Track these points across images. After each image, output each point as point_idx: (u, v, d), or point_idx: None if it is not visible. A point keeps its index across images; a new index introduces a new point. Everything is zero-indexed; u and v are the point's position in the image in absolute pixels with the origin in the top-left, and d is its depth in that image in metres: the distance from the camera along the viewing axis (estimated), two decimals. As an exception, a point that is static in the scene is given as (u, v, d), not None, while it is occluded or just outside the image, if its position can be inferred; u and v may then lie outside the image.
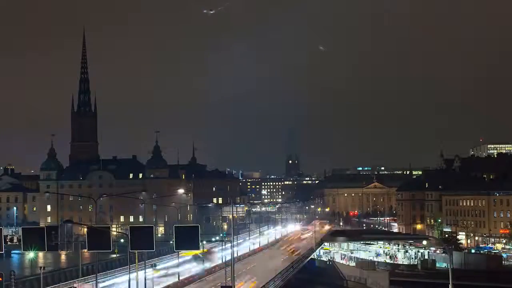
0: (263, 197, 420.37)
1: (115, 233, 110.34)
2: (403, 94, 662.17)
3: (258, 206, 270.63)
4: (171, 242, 74.31)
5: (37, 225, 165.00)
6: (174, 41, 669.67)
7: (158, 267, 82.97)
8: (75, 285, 75.69)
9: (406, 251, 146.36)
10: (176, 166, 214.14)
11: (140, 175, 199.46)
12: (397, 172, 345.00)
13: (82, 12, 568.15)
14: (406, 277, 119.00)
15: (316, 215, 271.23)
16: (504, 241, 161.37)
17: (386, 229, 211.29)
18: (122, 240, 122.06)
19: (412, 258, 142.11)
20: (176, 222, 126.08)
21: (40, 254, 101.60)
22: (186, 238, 55.04)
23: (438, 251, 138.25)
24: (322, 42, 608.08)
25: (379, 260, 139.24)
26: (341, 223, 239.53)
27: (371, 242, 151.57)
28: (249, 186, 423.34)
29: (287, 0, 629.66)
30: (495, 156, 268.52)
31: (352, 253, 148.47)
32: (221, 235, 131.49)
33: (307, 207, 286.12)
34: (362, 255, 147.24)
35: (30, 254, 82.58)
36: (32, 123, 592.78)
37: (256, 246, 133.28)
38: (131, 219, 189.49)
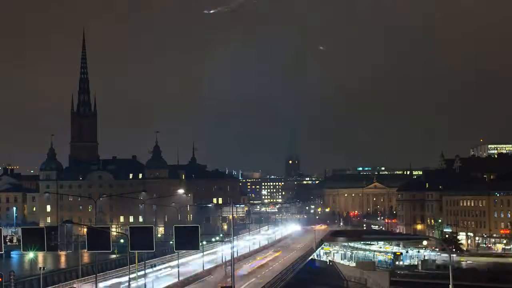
0: (263, 197, 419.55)
1: (115, 233, 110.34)
2: (403, 94, 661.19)
3: (258, 206, 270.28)
4: (171, 242, 74.16)
5: (37, 225, 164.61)
6: (174, 41, 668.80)
7: None
8: (74, 285, 75.54)
9: (407, 251, 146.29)
10: (176, 166, 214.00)
11: (140, 175, 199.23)
12: (397, 172, 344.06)
13: (82, 12, 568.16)
14: (406, 277, 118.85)
15: (316, 216, 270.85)
16: (504, 241, 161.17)
17: (388, 229, 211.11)
18: (122, 241, 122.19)
19: (413, 258, 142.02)
20: (176, 222, 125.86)
21: (40, 254, 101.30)
22: (186, 239, 55.11)
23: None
24: (322, 42, 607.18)
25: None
26: (341, 223, 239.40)
27: (371, 242, 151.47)
28: (249, 186, 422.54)
29: (287, 0, 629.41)
30: (495, 156, 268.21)
31: (352, 253, 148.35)
32: (220, 235, 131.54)
33: (307, 207, 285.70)
34: (362, 255, 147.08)
35: (30, 255, 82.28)
36: (32, 123, 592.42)
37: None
38: (131, 219, 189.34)
